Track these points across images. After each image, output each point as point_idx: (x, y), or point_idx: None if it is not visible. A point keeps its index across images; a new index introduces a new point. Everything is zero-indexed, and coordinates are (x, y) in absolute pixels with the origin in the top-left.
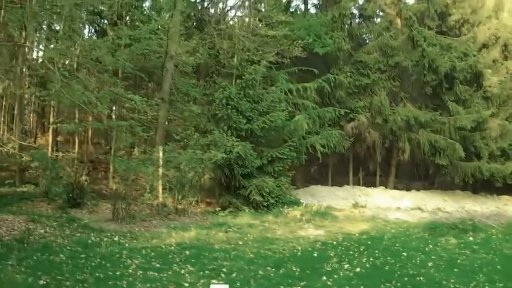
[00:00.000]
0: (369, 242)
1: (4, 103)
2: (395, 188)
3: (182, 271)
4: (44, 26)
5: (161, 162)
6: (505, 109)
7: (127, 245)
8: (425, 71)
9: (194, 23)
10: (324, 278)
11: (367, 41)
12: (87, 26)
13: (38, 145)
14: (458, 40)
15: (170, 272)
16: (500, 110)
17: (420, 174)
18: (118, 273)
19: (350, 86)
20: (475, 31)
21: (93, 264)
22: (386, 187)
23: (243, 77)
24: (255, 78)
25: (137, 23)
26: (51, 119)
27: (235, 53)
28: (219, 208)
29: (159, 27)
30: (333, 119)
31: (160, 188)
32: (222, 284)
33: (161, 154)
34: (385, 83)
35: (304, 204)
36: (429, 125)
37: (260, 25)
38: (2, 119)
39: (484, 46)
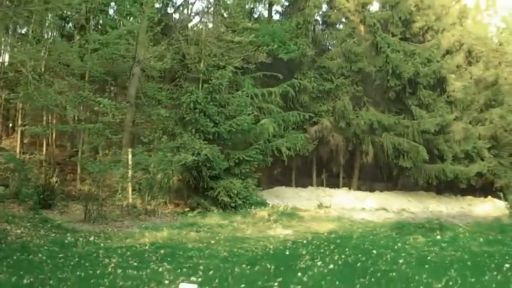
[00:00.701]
0: (338, 241)
1: None
2: (358, 189)
3: (160, 269)
4: (9, 30)
5: (130, 164)
6: (469, 113)
7: (102, 244)
8: (388, 77)
9: (160, 29)
10: (300, 274)
11: (330, 48)
12: (54, 31)
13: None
14: (422, 47)
15: (148, 270)
16: (463, 114)
17: (383, 176)
18: (98, 271)
19: (314, 91)
20: (439, 37)
21: (72, 263)
22: (349, 188)
23: (209, 81)
24: (222, 83)
25: (103, 28)
26: (19, 122)
27: (202, 58)
28: (188, 209)
29: (126, 32)
30: (297, 123)
31: (130, 190)
32: (191, 283)
33: (130, 156)
34: (348, 88)
35: (270, 205)
36: (393, 129)
37: (224, 30)
38: None
39: (448, 52)
